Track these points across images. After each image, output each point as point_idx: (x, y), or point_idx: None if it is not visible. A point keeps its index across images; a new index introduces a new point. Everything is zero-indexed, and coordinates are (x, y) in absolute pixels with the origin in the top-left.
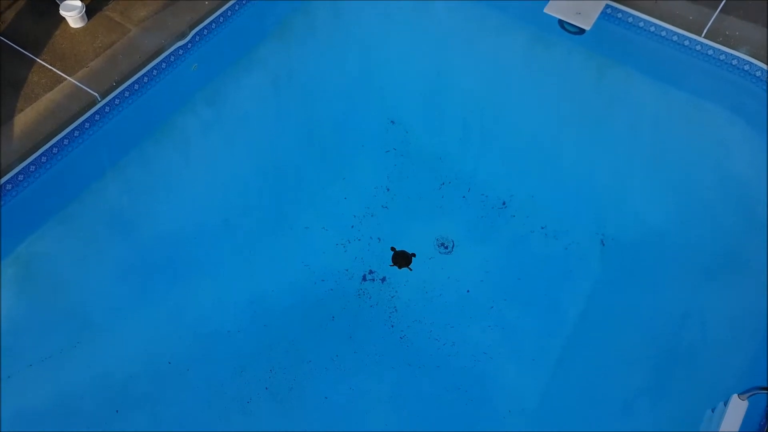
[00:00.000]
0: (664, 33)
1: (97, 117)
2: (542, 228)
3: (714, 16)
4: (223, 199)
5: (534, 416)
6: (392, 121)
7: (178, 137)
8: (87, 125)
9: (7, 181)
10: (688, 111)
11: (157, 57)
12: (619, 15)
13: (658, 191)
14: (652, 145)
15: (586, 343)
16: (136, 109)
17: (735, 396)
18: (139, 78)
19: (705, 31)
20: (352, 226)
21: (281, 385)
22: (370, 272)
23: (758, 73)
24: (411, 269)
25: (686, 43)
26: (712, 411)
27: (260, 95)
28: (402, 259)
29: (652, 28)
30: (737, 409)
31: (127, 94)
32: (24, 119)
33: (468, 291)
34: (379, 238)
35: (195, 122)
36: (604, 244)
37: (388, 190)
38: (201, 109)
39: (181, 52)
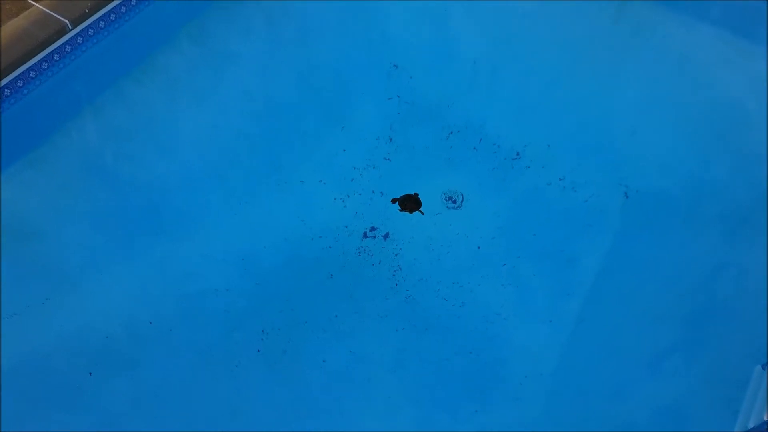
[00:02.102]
0: None
1: (68, 48)
2: (560, 180)
3: None
4: (212, 147)
5: (552, 380)
6: (395, 65)
7: (162, 77)
8: (57, 56)
9: None
10: (720, 48)
11: None
12: None
13: (686, 137)
14: (679, 85)
15: (607, 302)
16: (113, 42)
17: None
18: (115, 7)
19: None
20: (352, 180)
21: (274, 348)
22: (372, 229)
23: None
24: (423, 213)
25: None
26: (763, 368)
27: (251, 32)
28: (411, 202)
29: None
30: None
31: (102, 24)
32: None
33: (479, 248)
34: (381, 193)
35: (180, 61)
36: (627, 196)
37: (390, 140)
38: (186, 47)
39: None
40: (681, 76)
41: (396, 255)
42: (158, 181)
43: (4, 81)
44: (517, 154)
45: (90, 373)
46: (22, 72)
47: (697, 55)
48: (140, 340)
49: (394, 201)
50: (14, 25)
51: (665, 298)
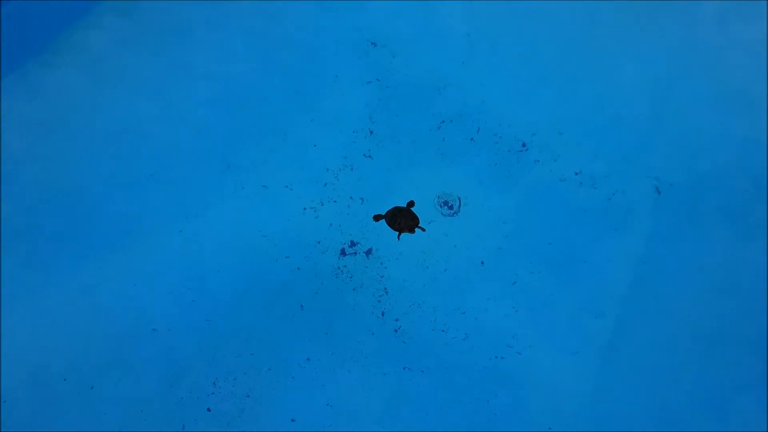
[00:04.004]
0: None
1: None
2: (576, 174)
3: None
4: (146, 143)
5: (584, 428)
6: (373, 43)
7: (79, 58)
8: None
9: None
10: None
11: None
12: None
13: (728, 117)
14: (716, 55)
15: (644, 323)
16: (12, 15)
17: None
18: None
19: None
20: (326, 184)
21: (229, 405)
22: (351, 244)
23: None
24: (425, 229)
25: None
26: None
27: (196, 2)
28: (403, 218)
29: None
30: None
31: None
32: None
33: (482, 263)
34: (361, 199)
35: (102, 38)
36: (659, 191)
37: (371, 133)
38: (110, 21)
39: None
40: (720, 42)
41: (381, 276)
42: (77, 187)
43: None
44: (523, 145)
45: None
46: None
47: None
48: (49, 402)
49: (377, 218)
50: None
51: (719, 317)
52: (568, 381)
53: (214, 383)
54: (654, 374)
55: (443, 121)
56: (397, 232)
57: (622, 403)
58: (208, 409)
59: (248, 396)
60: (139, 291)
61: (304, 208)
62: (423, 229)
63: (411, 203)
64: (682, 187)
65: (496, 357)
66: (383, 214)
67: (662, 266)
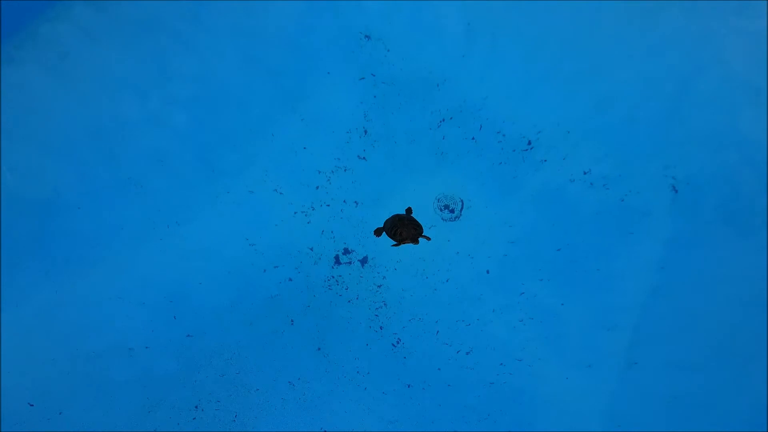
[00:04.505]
0: None
1: None
2: (586, 174)
3: None
4: (120, 146)
5: None
6: (367, 36)
7: (47, 53)
8: None
9: None
10: None
11: None
12: None
13: (749, 112)
14: (735, 48)
15: (664, 335)
16: None
17: None
18: None
19: None
20: (317, 187)
21: (213, 430)
22: (346, 252)
23: None
24: (430, 238)
25: None
26: None
27: None
28: (404, 227)
29: None
30: None
31: None
32: None
33: (488, 271)
34: (356, 202)
35: (72, 32)
36: (676, 191)
37: (365, 132)
38: (81, 12)
39: None
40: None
41: (379, 287)
42: (42, 196)
43: None
44: (529, 143)
45: None
46: None
47: None
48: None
49: (378, 233)
50: None
51: (746, 328)
52: (582, 397)
53: (195, 407)
54: (675, 390)
55: (443, 119)
56: (399, 243)
57: (641, 422)
58: None
59: (234, 421)
60: (114, 306)
61: (295, 213)
62: (428, 238)
63: (409, 210)
64: (702, 185)
65: (504, 372)
66: (383, 226)
67: (682, 273)
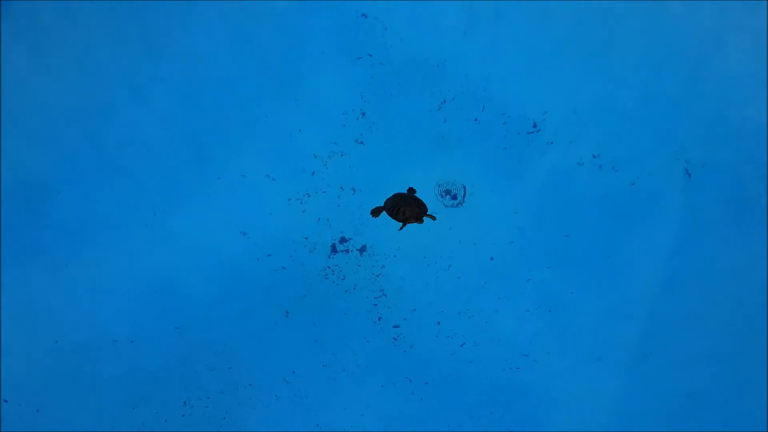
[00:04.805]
0: None
1: None
2: (594, 157)
3: None
4: (104, 130)
5: None
6: (363, 14)
7: (23, 28)
8: None
9: None
10: None
11: None
12: None
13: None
14: (754, 30)
15: (679, 325)
16: None
17: None
18: None
19: None
20: (313, 173)
21: (203, 427)
22: (343, 240)
23: None
24: (435, 217)
25: None
26: None
27: None
28: (407, 205)
29: None
30: None
31: None
32: None
33: (492, 259)
34: (353, 189)
35: (50, 7)
36: (689, 174)
37: (363, 115)
38: None
39: None
40: None
41: (377, 276)
42: (22, 182)
43: None
44: (535, 125)
45: None
46: None
47: None
48: None
49: (377, 212)
50: None
51: (763, 315)
52: (592, 392)
53: (184, 403)
54: (691, 384)
55: (444, 101)
56: (401, 224)
57: (655, 419)
58: None
59: (225, 418)
60: (97, 298)
61: (289, 200)
62: (433, 217)
63: (411, 190)
64: (716, 168)
65: (510, 366)
66: (382, 205)
67: (696, 259)
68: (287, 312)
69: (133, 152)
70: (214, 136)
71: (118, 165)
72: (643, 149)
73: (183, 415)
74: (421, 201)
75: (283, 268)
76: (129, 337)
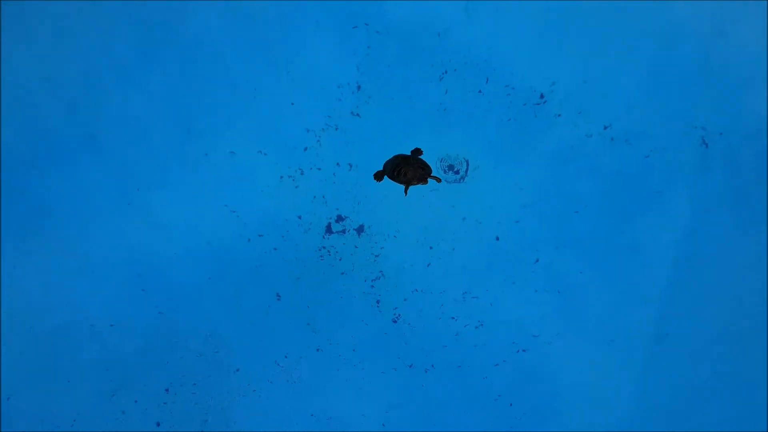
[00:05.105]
0: None
1: None
2: (605, 128)
3: None
4: (82, 100)
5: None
6: None
7: None
8: None
9: None
10: None
11: None
12: None
13: None
14: None
15: (696, 304)
16: None
17: None
18: None
19: None
20: (306, 148)
21: (187, 417)
22: (339, 219)
23: None
24: (440, 180)
25: None
26: None
27: None
28: (410, 165)
29: None
30: None
31: None
32: None
33: (497, 238)
34: (349, 164)
35: None
36: (706, 144)
37: (359, 88)
38: None
39: None
40: None
41: (376, 256)
42: None
43: None
44: (541, 96)
45: None
46: None
47: None
48: None
49: (379, 176)
50: None
51: None
52: (604, 376)
53: (167, 390)
54: (710, 367)
55: (445, 72)
56: (404, 186)
57: (672, 403)
58: (158, 424)
59: (210, 405)
60: (73, 279)
61: (281, 177)
62: (438, 179)
63: (416, 151)
64: (736, 137)
65: (517, 350)
66: (383, 169)
67: (714, 236)
68: (279, 295)
69: (115, 126)
70: (202, 110)
71: (98, 139)
72: (657, 119)
73: (165, 403)
74: (425, 162)
75: (275, 249)
76: (108, 321)
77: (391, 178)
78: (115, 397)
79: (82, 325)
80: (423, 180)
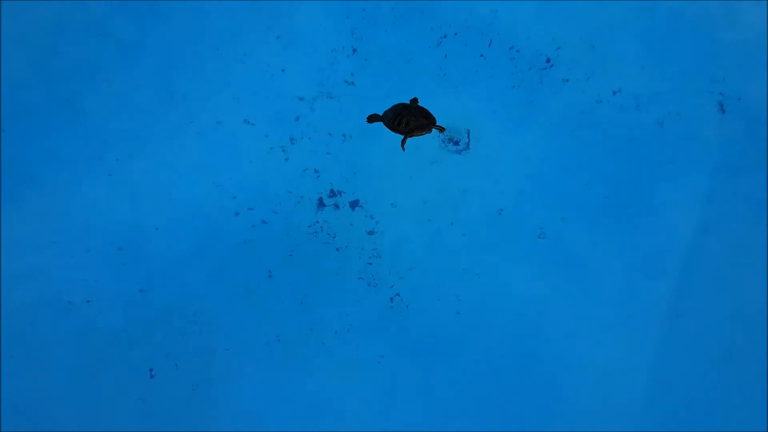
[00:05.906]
0: None
1: None
2: (614, 94)
3: None
4: (56, 57)
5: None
6: None
7: None
8: None
9: None
10: None
11: None
12: None
13: None
14: None
15: (715, 278)
16: None
17: None
18: None
19: None
20: (297, 118)
21: (169, 399)
22: (332, 193)
23: None
24: (444, 129)
25: None
26: None
27: None
28: (410, 114)
29: None
30: None
31: None
32: None
33: (501, 211)
34: (343, 135)
35: None
36: (724, 110)
37: (354, 51)
38: None
39: None
40: None
41: (371, 233)
42: None
43: None
44: (548, 60)
45: None
46: None
47: None
48: None
49: (372, 119)
50: None
51: None
52: (618, 357)
53: (150, 371)
54: (730, 344)
55: (445, 35)
56: (403, 137)
57: (691, 383)
58: (141, 399)
59: (194, 389)
60: (48, 252)
61: (271, 148)
62: (441, 129)
63: (414, 101)
64: (754, 101)
65: (522, 333)
66: (382, 116)
67: (733, 205)
68: (270, 272)
69: (92, 89)
70: (187, 75)
71: (74, 103)
72: (671, 83)
73: (149, 381)
74: (427, 110)
75: (263, 222)
76: (85, 297)
77: (391, 128)
78: (94, 377)
79: (58, 302)
80: (427, 129)
